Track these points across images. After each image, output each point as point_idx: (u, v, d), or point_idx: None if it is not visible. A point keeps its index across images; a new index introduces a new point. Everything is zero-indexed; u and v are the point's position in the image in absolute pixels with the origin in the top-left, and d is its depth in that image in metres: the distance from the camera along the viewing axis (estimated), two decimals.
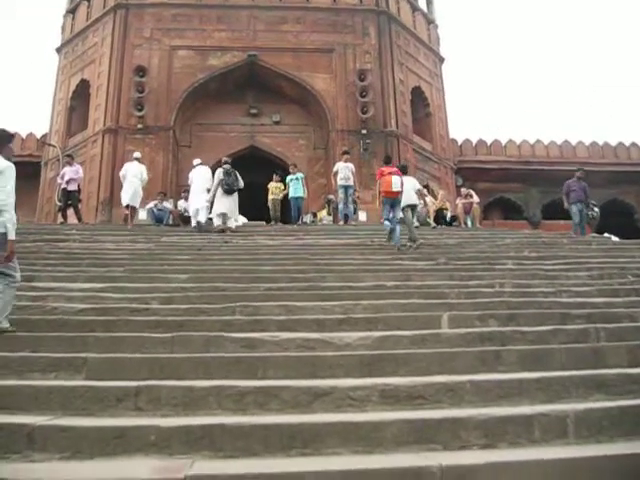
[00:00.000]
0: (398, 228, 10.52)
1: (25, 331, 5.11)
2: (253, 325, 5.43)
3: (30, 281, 6.79)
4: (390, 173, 10.62)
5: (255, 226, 14.68)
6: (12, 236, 5.05)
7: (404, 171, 11.25)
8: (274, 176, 16.40)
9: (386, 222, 10.80)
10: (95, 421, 3.50)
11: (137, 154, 15.68)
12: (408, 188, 10.95)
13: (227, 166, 13.23)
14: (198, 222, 13.40)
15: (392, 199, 10.66)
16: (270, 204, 16.13)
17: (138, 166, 15.06)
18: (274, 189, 16.16)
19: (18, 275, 5.25)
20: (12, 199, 5.11)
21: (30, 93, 68.29)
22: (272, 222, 15.79)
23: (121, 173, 15.08)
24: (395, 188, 10.45)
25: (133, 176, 14.70)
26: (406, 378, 4.08)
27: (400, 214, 10.75)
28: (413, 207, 11.26)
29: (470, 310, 6.04)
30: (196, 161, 14.77)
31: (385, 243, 10.87)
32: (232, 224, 13.35)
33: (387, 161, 11.61)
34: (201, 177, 13.97)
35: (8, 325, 5.02)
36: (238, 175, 13.22)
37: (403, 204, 10.84)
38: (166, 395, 3.79)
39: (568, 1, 73.53)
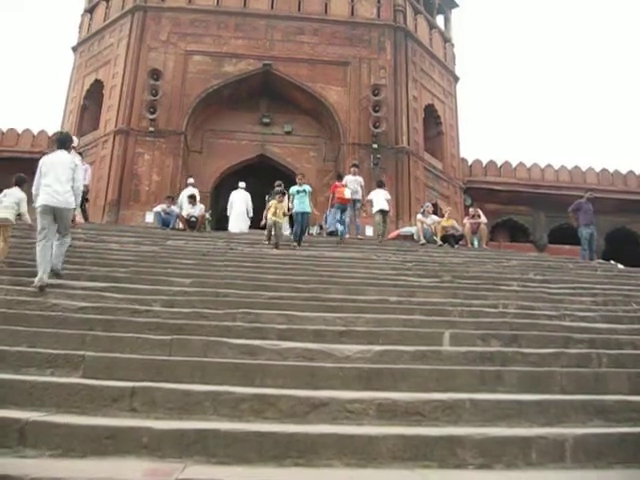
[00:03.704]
0: (341, 227, 13.54)
1: (23, 326, 5.09)
2: (253, 332, 5.40)
3: (32, 276, 6.76)
4: (343, 186, 13.81)
5: (260, 235, 14.64)
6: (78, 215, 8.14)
7: (380, 185, 15.11)
8: (277, 195, 12.79)
9: (338, 225, 13.69)
10: (88, 420, 3.48)
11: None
12: (381, 198, 14.51)
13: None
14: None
15: (343, 205, 13.73)
16: (269, 225, 12.41)
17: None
18: (277, 209, 12.20)
19: (69, 239, 7.58)
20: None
21: (43, 90, 68.62)
22: (270, 244, 12.22)
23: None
24: (347, 196, 13.59)
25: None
26: (404, 393, 4.04)
27: (345, 217, 13.89)
28: (384, 212, 14.56)
29: (472, 329, 5.99)
30: (241, 184, 16.28)
31: (338, 241, 13.21)
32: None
33: (339, 179, 14.43)
34: (242, 201, 15.68)
35: (60, 267, 7.22)
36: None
37: (375, 209, 14.47)
38: (161, 398, 3.76)
39: (588, 18, 73.33)
